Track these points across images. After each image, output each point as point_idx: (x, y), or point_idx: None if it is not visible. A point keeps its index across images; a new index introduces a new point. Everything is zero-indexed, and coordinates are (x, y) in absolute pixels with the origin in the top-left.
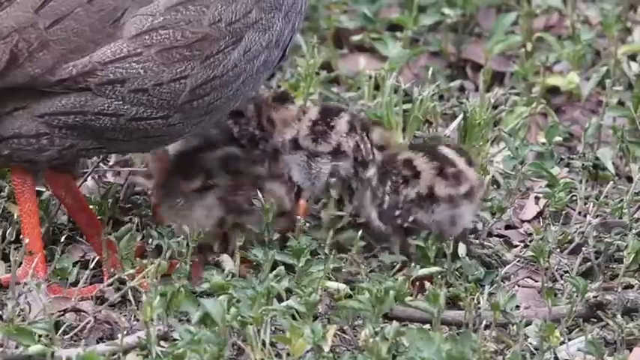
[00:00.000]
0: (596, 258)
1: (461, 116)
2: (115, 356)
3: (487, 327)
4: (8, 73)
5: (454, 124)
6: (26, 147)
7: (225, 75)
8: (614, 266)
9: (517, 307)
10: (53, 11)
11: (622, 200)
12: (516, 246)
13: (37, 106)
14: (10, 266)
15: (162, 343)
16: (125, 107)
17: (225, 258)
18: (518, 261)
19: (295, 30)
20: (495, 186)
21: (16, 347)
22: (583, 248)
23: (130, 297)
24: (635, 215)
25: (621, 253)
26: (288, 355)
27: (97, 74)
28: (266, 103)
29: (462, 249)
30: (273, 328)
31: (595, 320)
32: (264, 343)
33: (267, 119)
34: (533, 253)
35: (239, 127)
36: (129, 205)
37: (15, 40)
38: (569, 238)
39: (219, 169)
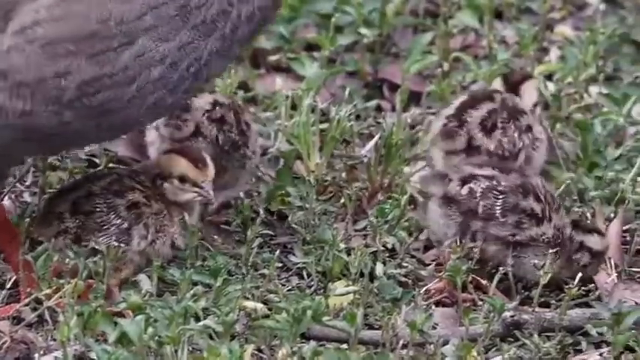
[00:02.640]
0: (514, 277)
1: (378, 136)
2: None
3: (404, 346)
4: None
5: (371, 144)
6: None
7: (116, 76)
8: (531, 285)
9: (434, 326)
10: None
11: None
12: (429, 264)
13: None
14: None
15: None
16: (8, 102)
17: (142, 277)
18: (437, 281)
19: (203, 62)
20: (413, 206)
21: None
22: (500, 267)
23: (47, 317)
24: None
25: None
26: None
27: None
28: (241, 108)
29: (379, 268)
30: (190, 348)
31: (512, 340)
32: None
33: (245, 124)
34: (450, 273)
35: (223, 135)
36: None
37: None
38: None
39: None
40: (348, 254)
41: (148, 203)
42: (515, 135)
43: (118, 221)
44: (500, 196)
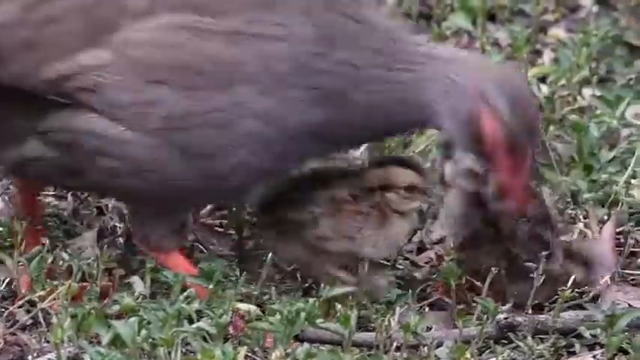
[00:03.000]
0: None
1: None
2: None
3: (398, 349)
4: None
5: (364, 146)
6: (47, 172)
7: (206, 116)
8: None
9: (428, 328)
10: (43, 12)
11: None
12: (422, 267)
13: (39, 122)
14: None
15: None
16: (104, 124)
17: (135, 279)
18: (429, 284)
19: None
20: None
21: None
22: (493, 269)
23: (41, 319)
24: None
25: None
26: None
27: (77, 78)
28: None
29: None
30: (184, 350)
31: (506, 342)
32: None
33: None
34: (444, 275)
35: None
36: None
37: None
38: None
39: None
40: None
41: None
42: None
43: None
44: None
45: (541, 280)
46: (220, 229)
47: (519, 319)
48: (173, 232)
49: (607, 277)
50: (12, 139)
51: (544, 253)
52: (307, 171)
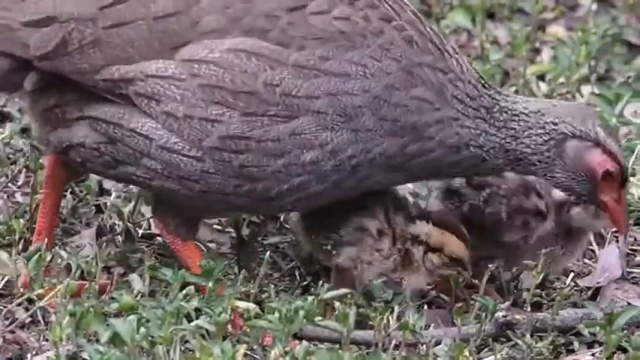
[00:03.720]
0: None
1: None
2: None
3: (396, 347)
4: (55, 57)
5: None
6: (92, 160)
7: (264, 143)
8: (522, 287)
9: (427, 326)
10: (116, 14)
11: None
12: None
13: (91, 112)
14: None
15: None
16: (157, 130)
17: (134, 277)
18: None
19: (370, 157)
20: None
21: None
22: (490, 266)
23: (40, 317)
24: None
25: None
26: None
27: (137, 83)
28: None
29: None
30: (182, 348)
31: (504, 340)
32: None
33: None
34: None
35: None
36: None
37: (70, 27)
38: None
39: None
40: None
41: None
42: None
43: None
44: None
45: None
46: (219, 228)
47: (518, 317)
48: (192, 224)
49: (608, 278)
50: (61, 122)
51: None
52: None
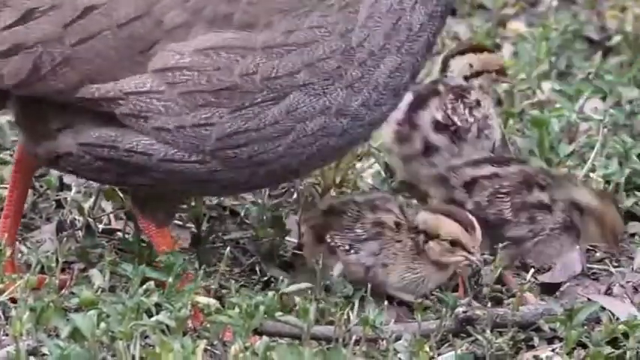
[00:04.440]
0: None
1: None
2: None
3: (357, 342)
4: (30, 83)
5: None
6: (83, 166)
7: (264, 129)
8: (482, 282)
9: (387, 322)
10: (81, 29)
11: None
12: None
13: (78, 132)
14: None
15: (31, 358)
16: (153, 146)
17: (94, 273)
18: None
19: (372, 106)
20: None
21: None
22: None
23: (0, 312)
24: None
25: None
26: None
27: (120, 103)
28: None
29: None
30: (143, 343)
31: (464, 335)
32: (133, 358)
33: None
34: None
35: None
36: None
37: (39, 52)
38: None
39: None
40: (300, 250)
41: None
42: (466, 112)
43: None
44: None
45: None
46: (180, 223)
47: (478, 312)
48: (171, 209)
49: (569, 274)
50: (46, 135)
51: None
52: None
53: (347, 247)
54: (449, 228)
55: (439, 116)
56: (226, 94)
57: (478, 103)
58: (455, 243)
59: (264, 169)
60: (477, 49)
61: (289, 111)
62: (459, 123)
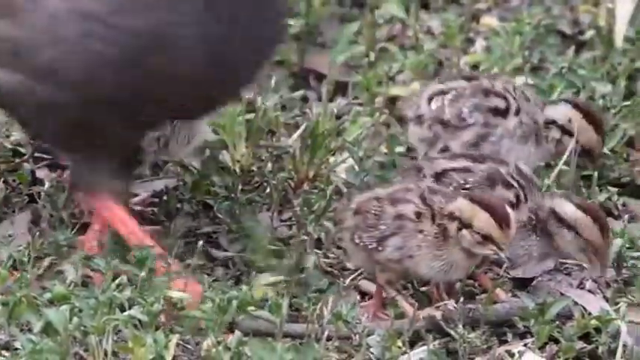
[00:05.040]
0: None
1: (304, 126)
2: None
3: (330, 338)
4: None
5: (297, 134)
6: None
7: (38, 37)
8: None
9: (359, 318)
10: None
11: None
12: None
13: None
14: None
15: (3, 352)
16: None
17: (67, 267)
18: (362, 272)
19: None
20: (338, 196)
21: None
22: None
23: None
24: None
25: None
26: None
27: None
28: None
29: (310, 259)
30: (115, 338)
31: (437, 331)
32: (106, 353)
33: None
34: None
35: None
36: None
37: None
38: None
39: None
40: (274, 245)
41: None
42: (465, 109)
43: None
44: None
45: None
46: (152, 217)
47: (451, 308)
48: (110, 177)
49: (541, 268)
50: None
51: None
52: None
53: (375, 246)
54: (483, 222)
55: None
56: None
57: None
58: (487, 237)
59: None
60: None
61: (51, 15)
62: None
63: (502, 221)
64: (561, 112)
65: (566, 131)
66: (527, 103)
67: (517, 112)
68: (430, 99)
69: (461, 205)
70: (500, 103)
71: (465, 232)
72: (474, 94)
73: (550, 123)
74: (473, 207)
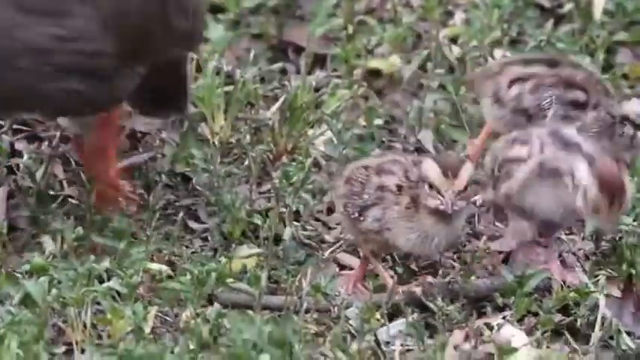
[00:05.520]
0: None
1: (282, 99)
2: None
3: (308, 310)
4: None
5: (276, 107)
6: None
7: None
8: None
9: (338, 290)
10: None
11: None
12: (334, 228)
13: None
14: None
15: None
16: None
17: (46, 239)
18: (340, 245)
19: None
20: (317, 168)
21: None
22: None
23: None
24: None
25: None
26: (109, 336)
27: None
28: None
29: (287, 232)
30: (94, 310)
31: (416, 303)
32: (84, 325)
33: None
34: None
35: None
36: None
37: None
38: None
39: None
40: (252, 217)
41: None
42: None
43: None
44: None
45: None
46: (130, 190)
47: (430, 281)
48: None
49: (519, 241)
50: None
51: None
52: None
53: (357, 215)
54: (428, 171)
55: None
56: None
57: None
58: (432, 186)
59: None
60: None
61: None
62: None
63: (449, 169)
64: (634, 108)
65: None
66: (605, 97)
67: (595, 106)
68: (512, 83)
69: (426, 165)
70: (581, 96)
71: (421, 187)
72: (556, 84)
73: (625, 119)
74: (425, 160)
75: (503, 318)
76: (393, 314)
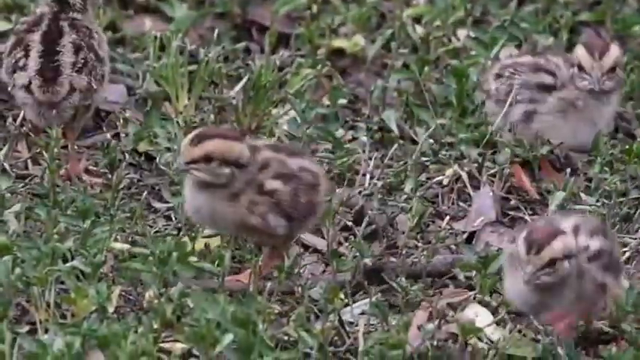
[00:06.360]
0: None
1: (246, 78)
2: None
3: (272, 292)
4: None
5: (240, 86)
6: None
7: None
8: (398, 229)
9: (302, 270)
10: None
11: (406, 163)
12: None
13: None
14: None
15: None
16: None
17: (9, 217)
18: None
19: None
20: None
21: None
22: (369, 211)
23: None
24: (420, 178)
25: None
26: (72, 315)
27: None
28: None
29: None
30: (58, 289)
31: (379, 283)
32: (48, 304)
33: None
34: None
35: None
36: None
37: None
38: (353, 200)
39: None
40: None
41: None
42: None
43: None
44: None
45: None
46: (94, 168)
47: (393, 260)
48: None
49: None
50: None
51: None
52: None
53: None
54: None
55: None
56: None
57: None
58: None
59: None
60: None
61: None
62: None
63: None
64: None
65: None
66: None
67: None
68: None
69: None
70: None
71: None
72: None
73: None
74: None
75: (468, 297)
76: (356, 293)
